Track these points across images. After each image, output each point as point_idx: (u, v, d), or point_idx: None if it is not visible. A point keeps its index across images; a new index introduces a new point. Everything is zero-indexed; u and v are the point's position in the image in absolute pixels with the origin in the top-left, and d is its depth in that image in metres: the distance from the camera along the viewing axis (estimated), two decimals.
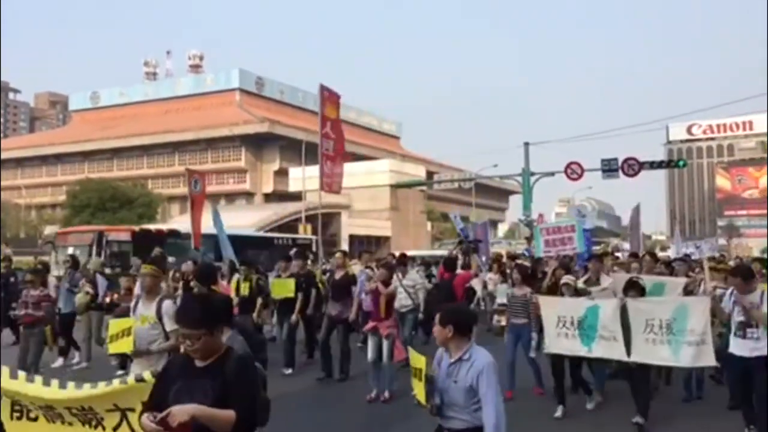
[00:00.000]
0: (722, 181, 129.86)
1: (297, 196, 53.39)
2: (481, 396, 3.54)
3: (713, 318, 6.77)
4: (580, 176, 26.63)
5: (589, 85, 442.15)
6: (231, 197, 74.26)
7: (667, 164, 35.19)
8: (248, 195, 74.25)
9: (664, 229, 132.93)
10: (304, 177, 47.43)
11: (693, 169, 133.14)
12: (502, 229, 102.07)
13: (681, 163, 33.29)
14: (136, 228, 22.61)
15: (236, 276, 10.22)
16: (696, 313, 6.41)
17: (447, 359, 3.73)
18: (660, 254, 27.63)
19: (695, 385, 7.98)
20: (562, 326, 7.34)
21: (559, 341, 7.38)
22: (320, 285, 10.77)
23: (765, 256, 28.36)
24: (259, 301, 10.13)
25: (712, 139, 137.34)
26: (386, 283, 8.30)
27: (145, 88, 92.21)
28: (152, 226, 27.38)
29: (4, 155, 68.17)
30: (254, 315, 10.02)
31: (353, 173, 62.49)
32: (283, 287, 10.18)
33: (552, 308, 7.60)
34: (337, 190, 12.44)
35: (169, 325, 5.15)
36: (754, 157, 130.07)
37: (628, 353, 6.73)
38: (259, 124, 71.32)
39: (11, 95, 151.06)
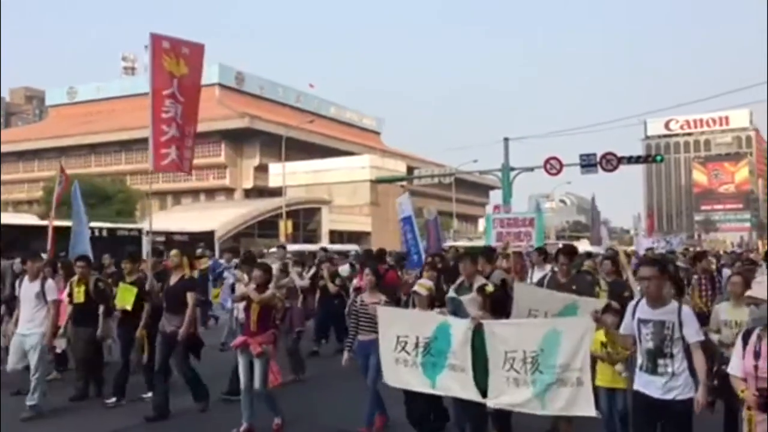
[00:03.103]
0: (699, 176, 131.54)
1: (277, 192, 53.26)
2: None
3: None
4: (559, 171, 26.80)
5: (569, 82, 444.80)
6: (211, 193, 73.83)
7: (645, 159, 35.73)
8: (228, 191, 73.83)
9: (643, 224, 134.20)
10: (284, 173, 47.33)
11: (670, 164, 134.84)
12: (483, 224, 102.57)
13: (658, 158, 33.80)
14: None
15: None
16: (571, 341, 4.78)
17: None
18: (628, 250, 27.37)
19: (619, 422, 5.59)
20: (401, 350, 5.53)
21: (398, 371, 5.57)
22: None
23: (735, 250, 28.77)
24: (101, 309, 8.21)
25: (689, 134, 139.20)
26: (262, 287, 6.69)
27: (123, 83, 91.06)
28: None
29: None
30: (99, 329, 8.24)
31: (334, 168, 62.98)
32: (125, 295, 7.88)
33: (390, 324, 5.73)
34: (187, 170, 9.24)
35: None
36: (730, 152, 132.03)
37: (485, 392, 5.10)
38: (238, 120, 70.91)
39: None
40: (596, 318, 4.83)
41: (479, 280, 6.44)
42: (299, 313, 9.64)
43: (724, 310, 5.84)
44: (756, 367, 3.88)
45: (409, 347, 5.45)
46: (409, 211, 14.03)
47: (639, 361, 4.50)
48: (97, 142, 77.13)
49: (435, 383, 5.30)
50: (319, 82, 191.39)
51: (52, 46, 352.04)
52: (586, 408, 4.75)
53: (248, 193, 72.12)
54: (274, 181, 60.45)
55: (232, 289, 10.13)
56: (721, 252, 23.46)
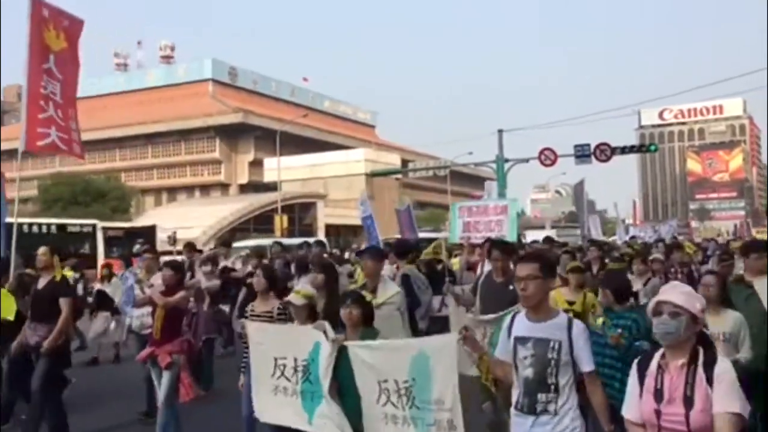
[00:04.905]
0: (693, 165, 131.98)
1: (272, 187, 53.20)
2: None
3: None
4: (554, 162, 26.87)
5: (569, 82, 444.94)
6: (206, 189, 73.75)
7: (639, 149, 35.73)
8: (223, 186, 73.78)
9: (640, 214, 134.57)
10: (279, 167, 47.28)
11: (665, 154, 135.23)
12: None
13: (652, 147, 33.87)
14: None
15: None
16: (441, 369, 3.61)
17: None
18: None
19: None
20: (280, 375, 4.34)
21: (276, 402, 4.36)
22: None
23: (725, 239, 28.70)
24: None
25: (683, 123, 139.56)
26: (171, 290, 5.76)
27: (116, 80, 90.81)
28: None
29: None
30: None
31: (329, 162, 62.89)
32: (5, 303, 6.56)
33: (262, 342, 4.52)
34: (78, 153, 7.93)
35: None
36: (724, 140, 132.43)
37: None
38: (233, 115, 70.78)
39: None
40: (465, 336, 3.48)
41: (384, 282, 5.46)
42: (206, 319, 8.49)
43: None
44: (658, 413, 2.63)
45: (288, 372, 4.28)
46: (369, 210, 13.15)
47: (514, 397, 3.32)
48: (89, 139, 76.60)
49: (312, 418, 4.15)
50: (317, 81, 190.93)
51: None
52: None
53: (243, 189, 72.05)
54: (269, 175, 60.38)
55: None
56: (717, 239, 23.26)
